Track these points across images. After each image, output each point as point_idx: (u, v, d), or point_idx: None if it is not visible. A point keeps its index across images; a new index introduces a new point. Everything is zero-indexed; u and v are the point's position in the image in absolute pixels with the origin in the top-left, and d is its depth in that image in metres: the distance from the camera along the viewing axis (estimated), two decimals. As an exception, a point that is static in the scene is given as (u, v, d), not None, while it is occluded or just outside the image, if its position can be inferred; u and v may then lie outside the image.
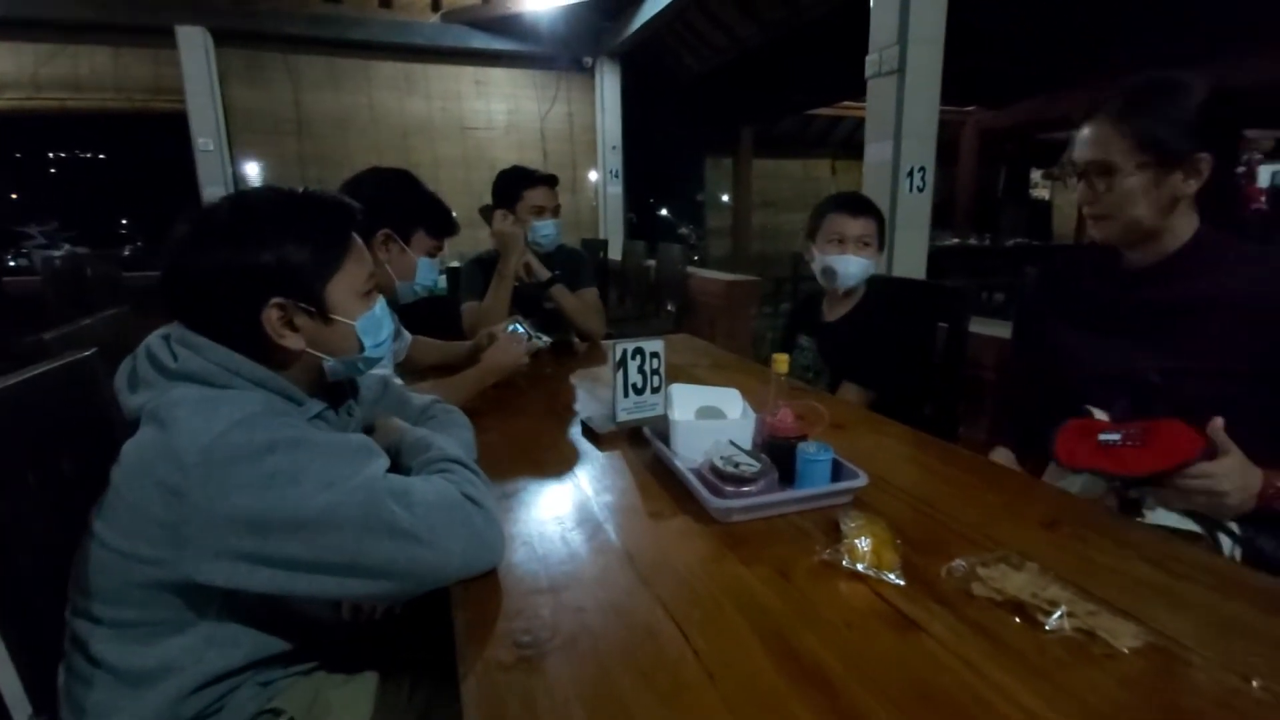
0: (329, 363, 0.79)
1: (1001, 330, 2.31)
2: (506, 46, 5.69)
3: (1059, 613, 0.63)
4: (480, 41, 5.62)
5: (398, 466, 0.81)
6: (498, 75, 5.95)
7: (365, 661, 0.82)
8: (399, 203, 1.35)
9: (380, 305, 0.84)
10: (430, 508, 0.69)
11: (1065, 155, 1.08)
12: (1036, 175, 10.75)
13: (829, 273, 1.62)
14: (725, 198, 9.76)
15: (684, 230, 9.04)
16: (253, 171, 5.43)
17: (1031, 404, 1.18)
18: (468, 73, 5.84)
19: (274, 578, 0.64)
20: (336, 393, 0.86)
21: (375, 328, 0.83)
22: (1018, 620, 0.65)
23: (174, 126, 5.05)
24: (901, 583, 0.72)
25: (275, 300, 0.72)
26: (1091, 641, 0.61)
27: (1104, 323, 1.08)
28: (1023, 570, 0.71)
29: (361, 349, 0.82)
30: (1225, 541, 0.89)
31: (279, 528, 0.63)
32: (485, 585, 0.73)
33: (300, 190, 0.78)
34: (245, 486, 0.62)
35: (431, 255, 1.40)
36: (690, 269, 4.13)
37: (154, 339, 0.73)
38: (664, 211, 9.22)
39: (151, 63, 5.08)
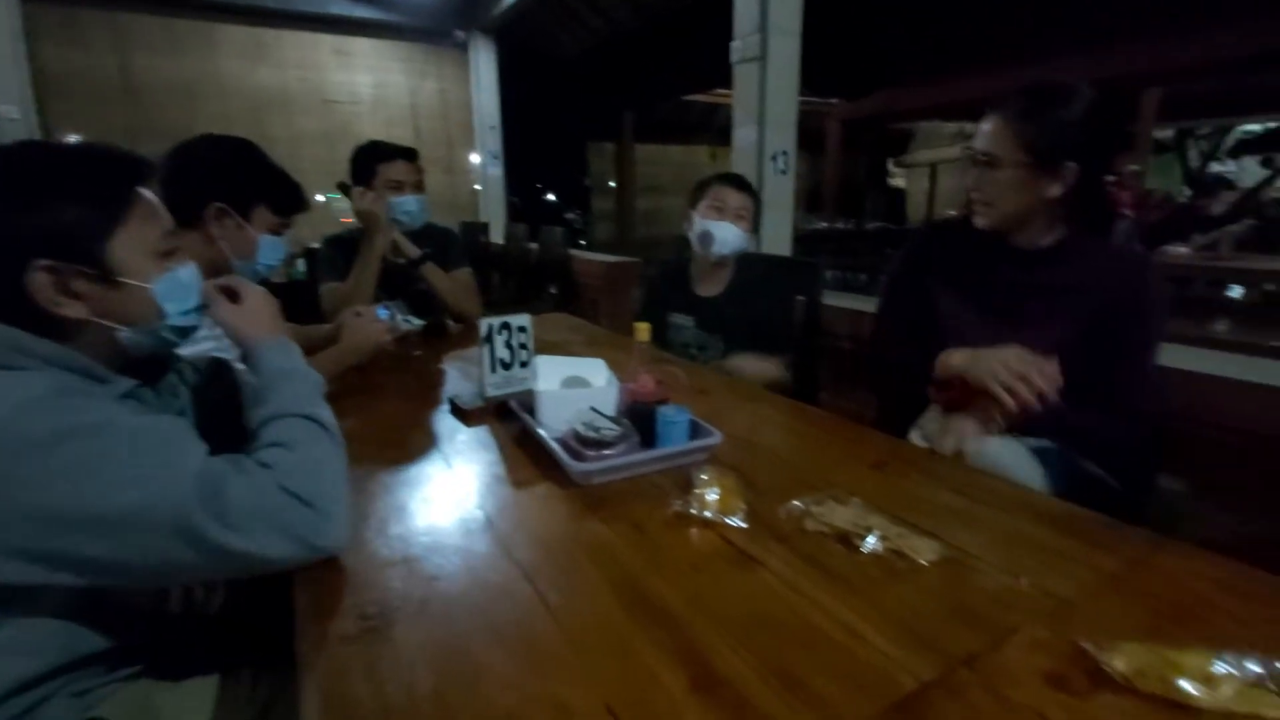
0: (124, 333, 0.71)
1: (856, 303, 2.51)
2: (368, 15, 5.34)
3: (874, 537, 0.71)
4: (339, 8, 5.24)
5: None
6: (361, 46, 5.57)
7: (202, 658, 0.76)
8: (234, 174, 1.23)
9: (188, 270, 0.77)
10: (246, 514, 0.61)
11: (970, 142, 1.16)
12: (892, 164, 11.68)
13: (706, 237, 1.68)
14: (612, 183, 9.80)
15: (571, 215, 8.99)
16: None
17: (904, 352, 1.26)
18: (326, 41, 5.43)
19: (79, 578, 0.58)
20: (157, 369, 0.78)
21: (180, 292, 0.75)
22: (841, 547, 0.72)
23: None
24: (745, 526, 0.77)
25: (43, 263, 0.64)
26: (899, 559, 0.70)
27: (984, 297, 1.18)
28: (848, 505, 0.79)
29: (163, 316, 0.74)
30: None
31: (79, 527, 0.57)
32: (331, 563, 0.70)
33: (75, 142, 0.70)
34: (36, 479, 0.56)
35: (276, 233, 1.30)
36: (572, 251, 4.12)
37: None
38: (551, 196, 9.10)
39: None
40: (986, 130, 1.10)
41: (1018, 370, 0.97)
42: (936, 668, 0.54)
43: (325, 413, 0.76)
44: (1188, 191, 9.72)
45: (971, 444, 1.00)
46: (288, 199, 1.31)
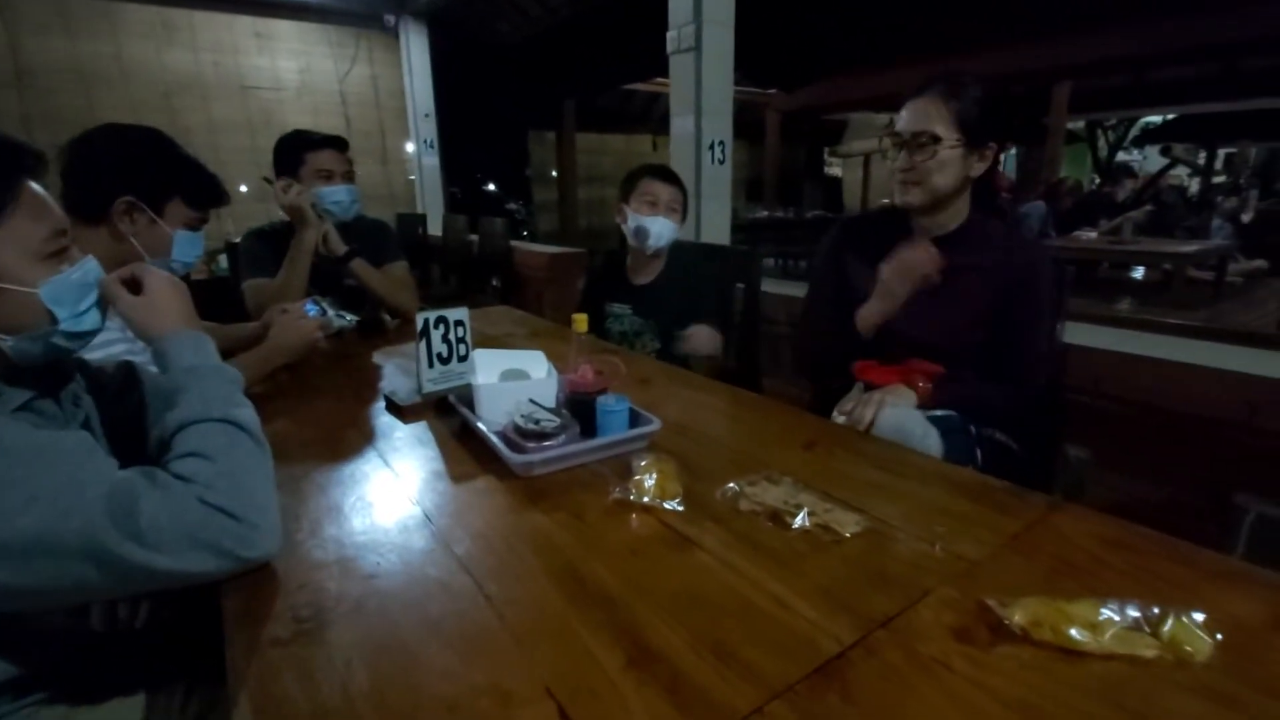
0: (8, 342, 0.66)
1: (795, 289, 2.59)
2: (289, -4, 5.08)
3: (802, 514, 0.75)
4: (257, -12, 4.96)
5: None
6: (283, 28, 5.29)
7: (127, 678, 0.73)
8: (143, 167, 1.17)
9: (82, 269, 0.71)
10: (165, 532, 0.57)
11: (889, 128, 1.20)
12: (829, 154, 11.98)
13: (642, 232, 1.71)
14: (554, 173, 9.67)
15: (513, 206, 8.83)
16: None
17: (830, 337, 1.33)
18: (244, 23, 5.12)
19: None
20: (58, 377, 0.73)
21: (70, 295, 0.69)
22: (772, 525, 0.76)
23: None
24: (682, 509, 0.79)
25: None
26: (826, 532, 0.73)
27: None
28: (780, 484, 0.82)
29: (55, 321, 0.68)
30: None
31: None
32: (263, 567, 0.68)
33: None
34: None
35: (193, 228, 1.24)
36: (514, 243, 4.06)
37: None
38: (491, 186, 8.91)
39: None
40: (917, 113, 1.13)
41: (899, 265, 1.12)
42: (856, 630, 0.58)
43: (245, 413, 0.71)
44: (1098, 179, 10.38)
45: (883, 413, 1.06)
46: (204, 191, 1.25)
